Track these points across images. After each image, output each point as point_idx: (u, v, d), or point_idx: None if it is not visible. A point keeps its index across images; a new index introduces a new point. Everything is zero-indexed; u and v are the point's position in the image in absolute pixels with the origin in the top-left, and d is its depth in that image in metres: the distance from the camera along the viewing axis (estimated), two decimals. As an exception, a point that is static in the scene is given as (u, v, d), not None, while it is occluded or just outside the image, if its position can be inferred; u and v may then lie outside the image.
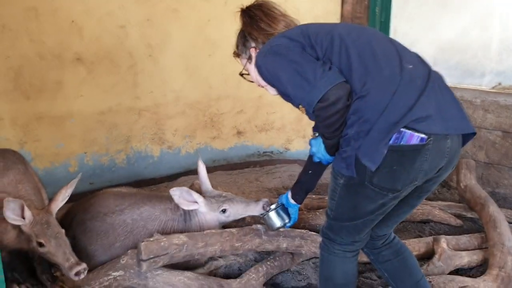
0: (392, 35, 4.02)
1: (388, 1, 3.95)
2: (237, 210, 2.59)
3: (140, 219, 2.58)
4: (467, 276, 2.58)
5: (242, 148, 4.18)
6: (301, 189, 2.29)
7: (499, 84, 3.78)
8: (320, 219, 2.95)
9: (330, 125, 1.67)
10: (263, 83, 1.96)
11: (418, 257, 2.75)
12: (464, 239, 2.87)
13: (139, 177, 3.72)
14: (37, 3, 3.10)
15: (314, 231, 2.79)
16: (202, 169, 2.73)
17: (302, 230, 2.67)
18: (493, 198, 3.19)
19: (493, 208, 2.96)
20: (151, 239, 2.30)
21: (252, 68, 2.03)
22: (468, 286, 2.36)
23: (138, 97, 3.63)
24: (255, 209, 2.55)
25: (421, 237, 3.06)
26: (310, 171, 2.20)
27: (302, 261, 2.74)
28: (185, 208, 2.52)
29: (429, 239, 2.81)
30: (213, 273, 2.64)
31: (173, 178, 3.85)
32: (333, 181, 1.82)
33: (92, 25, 3.32)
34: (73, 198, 3.33)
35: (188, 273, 2.39)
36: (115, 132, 3.57)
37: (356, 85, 1.66)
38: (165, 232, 2.54)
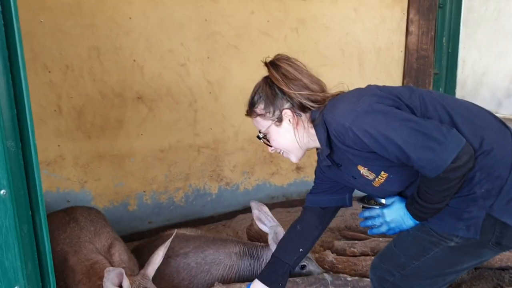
0: (460, 65, 3.82)
1: (456, 31, 3.77)
2: (311, 272, 2.45)
3: (204, 263, 2.50)
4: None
5: (301, 184, 4.05)
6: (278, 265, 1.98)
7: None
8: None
9: (453, 187, 1.51)
10: (283, 147, 1.85)
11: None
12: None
13: (197, 215, 3.68)
14: (99, 43, 3.16)
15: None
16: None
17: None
18: None
19: None
20: (212, 290, 2.22)
21: (277, 130, 1.82)
22: None
23: (198, 134, 3.61)
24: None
25: (501, 286, 2.80)
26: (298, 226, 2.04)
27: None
28: (264, 228, 2.43)
29: (513, 292, 2.56)
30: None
31: (230, 216, 3.78)
32: (427, 242, 1.66)
33: (153, 63, 3.35)
34: (132, 236, 3.37)
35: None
36: (174, 170, 3.55)
37: (473, 141, 1.52)
38: (230, 278, 2.45)
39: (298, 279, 2.40)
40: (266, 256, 2.49)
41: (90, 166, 3.26)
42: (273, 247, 2.33)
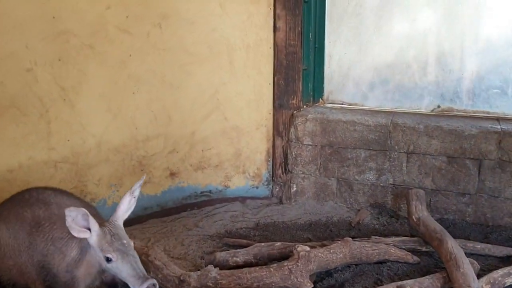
0: (327, 61, 3.86)
1: (322, 26, 3.78)
2: (121, 270, 2.08)
3: None
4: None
5: (176, 190, 3.79)
6: None
7: (438, 106, 3.72)
8: (276, 276, 2.66)
9: None
10: None
11: (384, 308, 2.57)
12: (426, 282, 2.69)
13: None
14: None
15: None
16: (125, 200, 2.23)
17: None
18: (443, 225, 3.08)
19: (451, 244, 2.83)
20: None
21: None
22: None
23: (53, 148, 3.14)
24: (135, 285, 2.06)
25: (380, 280, 2.88)
26: None
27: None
28: (75, 234, 2.07)
29: (391, 286, 2.62)
30: None
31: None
32: None
33: (-10, 69, 2.81)
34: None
35: None
36: (27, 192, 3.05)
37: None
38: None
39: None
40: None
41: None
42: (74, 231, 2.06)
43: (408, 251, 3.09)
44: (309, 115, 3.72)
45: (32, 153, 3.06)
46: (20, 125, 2.99)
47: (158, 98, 3.58)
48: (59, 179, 3.21)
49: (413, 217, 3.18)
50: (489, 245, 3.14)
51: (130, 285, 2.07)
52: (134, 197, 2.24)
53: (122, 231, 2.14)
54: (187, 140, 3.75)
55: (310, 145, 3.74)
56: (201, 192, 3.89)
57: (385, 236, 3.27)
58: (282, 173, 3.89)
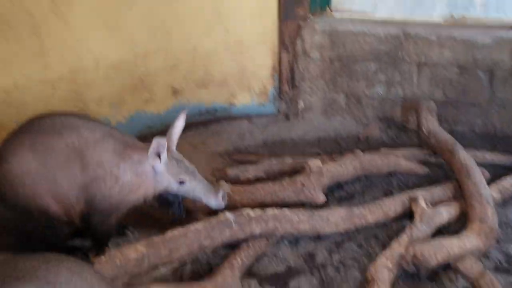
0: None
1: None
2: (194, 190, 2.28)
3: None
4: (446, 233, 2.46)
5: (180, 108, 3.64)
6: None
7: (451, 15, 3.54)
8: (289, 190, 2.65)
9: None
10: None
11: (396, 218, 2.60)
12: (437, 192, 2.72)
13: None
14: None
15: (283, 206, 2.51)
16: (179, 123, 2.41)
17: (275, 210, 2.37)
18: (452, 136, 3.05)
19: (463, 155, 2.82)
20: (103, 258, 1.88)
21: None
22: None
23: (49, 66, 2.99)
24: (212, 201, 2.29)
25: (390, 191, 2.90)
26: None
27: (277, 242, 2.46)
28: (151, 161, 2.19)
29: (404, 197, 2.63)
30: (179, 274, 2.29)
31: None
32: None
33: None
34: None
35: (155, 287, 2.01)
36: (26, 113, 2.92)
37: None
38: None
39: (199, 226, 2.17)
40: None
41: None
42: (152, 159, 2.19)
43: (417, 162, 3.09)
44: (317, 27, 3.53)
45: (27, 71, 2.91)
46: (11, 42, 2.81)
47: (157, 12, 3.36)
48: (58, 98, 3.08)
49: (424, 129, 3.14)
50: (498, 154, 3.14)
51: (204, 199, 2.29)
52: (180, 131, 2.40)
53: (181, 155, 2.31)
54: (189, 56, 3.58)
55: (318, 58, 3.59)
56: (206, 110, 3.79)
57: (394, 148, 3.25)
58: (289, 89, 3.76)
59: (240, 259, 2.24)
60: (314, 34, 3.54)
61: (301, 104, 3.76)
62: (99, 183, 2.18)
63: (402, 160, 3.03)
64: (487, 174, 2.82)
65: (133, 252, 1.91)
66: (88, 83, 3.21)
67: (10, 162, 2.13)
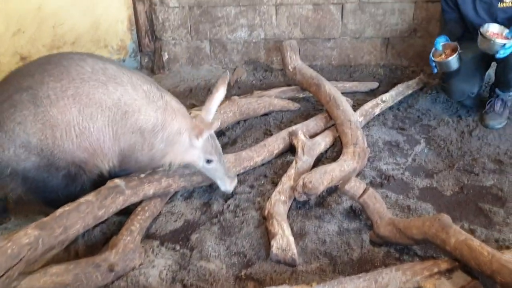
0: None
1: None
2: (216, 170, 2.25)
3: None
4: (326, 161, 2.67)
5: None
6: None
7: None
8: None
9: None
10: None
11: (278, 154, 2.73)
12: (312, 124, 2.91)
13: None
14: None
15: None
16: (219, 95, 2.24)
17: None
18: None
19: (328, 86, 3.03)
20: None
21: None
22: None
23: None
24: (227, 185, 2.29)
25: (269, 130, 3.02)
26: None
27: (171, 198, 2.43)
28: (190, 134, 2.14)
29: (284, 134, 2.76)
30: (72, 251, 2.14)
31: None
32: None
33: None
34: None
35: (54, 269, 1.86)
36: None
37: None
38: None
39: (90, 197, 2.03)
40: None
41: None
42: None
43: (288, 99, 3.25)
44: (170, -27, 3.40)
45: None
46: None
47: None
48: None
49: (289, 67, 3.28)
50: (355, 82, 3.45)
51: (220, 182, 2.26)
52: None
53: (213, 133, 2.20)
54: (34, 17, 3.20)
55: (177, 7, 3.47)
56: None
57: (265, 89, 3.36)
58: (150, 42, 3.61)
59: (137, 223, 2.17)
60: (168, -18, 3.40)
61: (165, 56, 3.65)
62: (134, 147, 2.09)
63: (276, 100, 3.16)
64: (350, 101, 3.09)
65: (24, 237, 1.73)
66: None
67: (50, 110, 1.92)
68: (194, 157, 2.20)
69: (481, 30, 2.70)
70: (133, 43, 3.62)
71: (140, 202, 2.25)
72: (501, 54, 2.67)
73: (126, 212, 2.22)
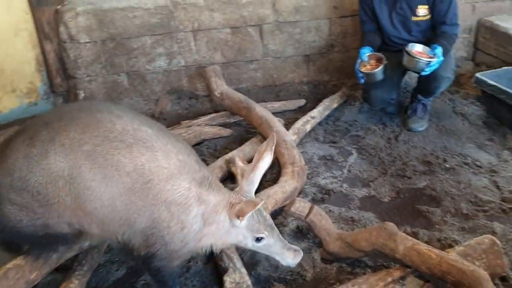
0: None
1: None
2: (272, 246, 1.86)
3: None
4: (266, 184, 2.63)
5: None
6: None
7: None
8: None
9: None
10: None
11: (219, 183, 2.63)
12: (247, 149, 2.86)
13: None
14: None
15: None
16: (263, 163, 1.86)
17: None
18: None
19: (259, 109, 3.01)
20: None
21: None
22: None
23: None
24: (288, 260, 1.88)
25: (204, 160, 2.92)
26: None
27: (109, 246, 2.25)
28: (237, 220, 1.75)
29: (220, 162, 2.69)
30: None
31: None
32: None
33: None
34: None
35: None
36: None
37: None
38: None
39: (20, 261, 1.81)
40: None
41: None
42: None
43: (219, 126, 3.18)
44: (78, 8, 3.22)
45: None
46: None
47: None
48: None
49: (216, 93, 3.23)
50: (283, 101, 3.47)
51: (279, 258, 1.89)
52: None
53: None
54: None
55: (89, 42, 3.29)
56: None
57: (193, 118, 3.27)
58: (63, 81, 3.38)
59: (76, 279, 1.98)
60: (77, 17, 3.22)
61: (81, 95, 3.44)
62: (158, 224, 1.74)
63: (206, 128, 3.09)
64: (282, 121, 3.09)
65: None
66: None
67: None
68: (239, 237, 1.84)
69: (407, 49, 2.83)
70: (44, 84, 3.37)
71: (76, 256, 2.06)
72: (426, 71, 2.83)
73: (63, 269, 2.02)
